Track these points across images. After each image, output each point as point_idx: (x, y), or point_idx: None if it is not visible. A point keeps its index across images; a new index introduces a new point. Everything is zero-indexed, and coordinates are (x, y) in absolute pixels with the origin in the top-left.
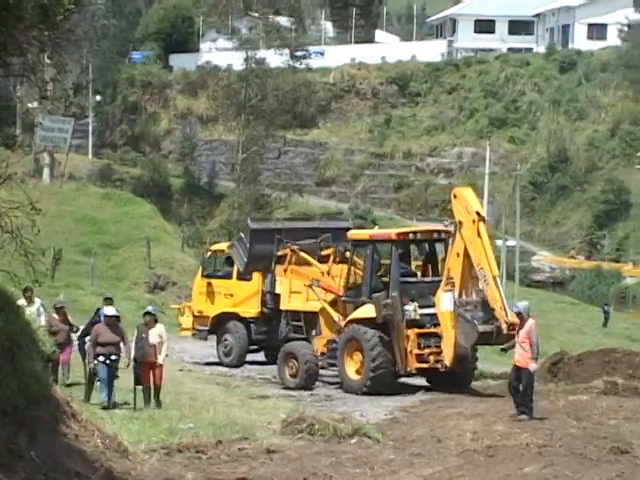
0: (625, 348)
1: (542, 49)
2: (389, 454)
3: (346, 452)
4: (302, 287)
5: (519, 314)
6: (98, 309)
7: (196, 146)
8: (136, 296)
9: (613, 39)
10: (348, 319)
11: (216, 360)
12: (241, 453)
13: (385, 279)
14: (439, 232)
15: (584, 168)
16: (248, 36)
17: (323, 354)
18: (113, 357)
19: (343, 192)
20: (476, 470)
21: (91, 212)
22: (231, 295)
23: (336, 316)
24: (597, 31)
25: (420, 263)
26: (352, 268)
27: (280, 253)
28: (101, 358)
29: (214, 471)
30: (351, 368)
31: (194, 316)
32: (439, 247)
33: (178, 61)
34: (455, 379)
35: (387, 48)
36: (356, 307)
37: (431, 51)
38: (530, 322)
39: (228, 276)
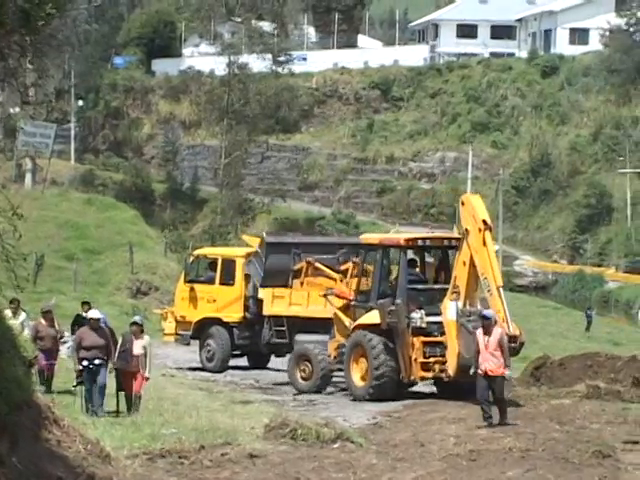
0: (607, 352)
1: (524, 54)
2: (372, 459)
3: (329, 457)
4: (285, 292)
5: (487, 319)
6: (78, 315)
7: (178, 151)
8: (119, 301)
9: (595, 44)
10: (355, 324)
11: (199, 365)
12: (224, 458)
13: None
14: (450, 239)
15: (566, 172)
16: (231, 41)
17: (335, 358)
18: (97, 361)
19: (326, 197)
20: (459, 474)
21: (73, 217)
22: (214, 300)
23: (347, 321)
24: (579, 36)
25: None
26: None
27: (297, 267)
28: (85, 363)
29: (197, 476)
30: (357, 374)
31: (177, 321)
32: (452, 254)
33: (160, 66)
34: (464, 389)
35: (370, 53)
36: (366, 312)
37: (413, 56)
38: (500, 330)
39: (211, 281)
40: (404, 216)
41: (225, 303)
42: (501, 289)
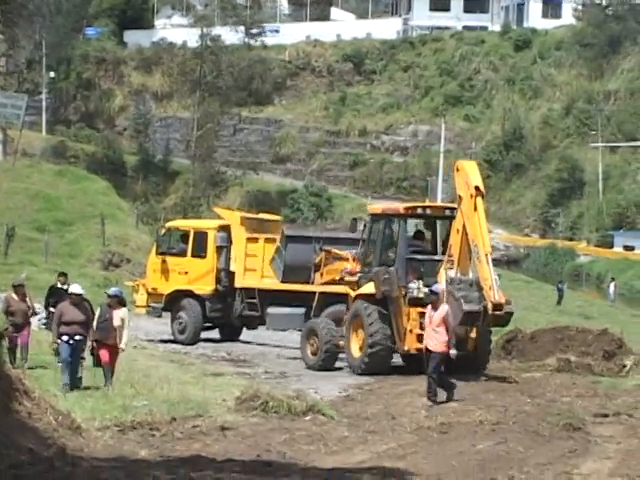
0: (578, 326)
1: (497, 27)
2: (343, 431)
3: (300, 429)
4: (257, 265)
5: (434, 294)
6: (52, 286)
7: (150, 123)
8: (90, 273)
9: (568, 17)
10: (354, 295)
11: (170, 337)
12: (195, 430)
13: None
14: (451, 208)
15: (538, 146)
16: (203, 13)
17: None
18: (77, 337)
19: (298, 170)
20: (430, 447)
21: (45, 189)
22: (186, 272)
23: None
24: (552, 9)
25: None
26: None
27: (317, 260)
28: (65, 338)
29: (168, 448)
30: (355, 345)
31: (148, 293)
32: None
33: (133, 37)
34: (468, 362)
35: (342, 25)
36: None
37: (386, 29)
38: (445, 307)
39: (182, 253)
40: (377, 189)
41: (197, 275)
42: (489, 256)
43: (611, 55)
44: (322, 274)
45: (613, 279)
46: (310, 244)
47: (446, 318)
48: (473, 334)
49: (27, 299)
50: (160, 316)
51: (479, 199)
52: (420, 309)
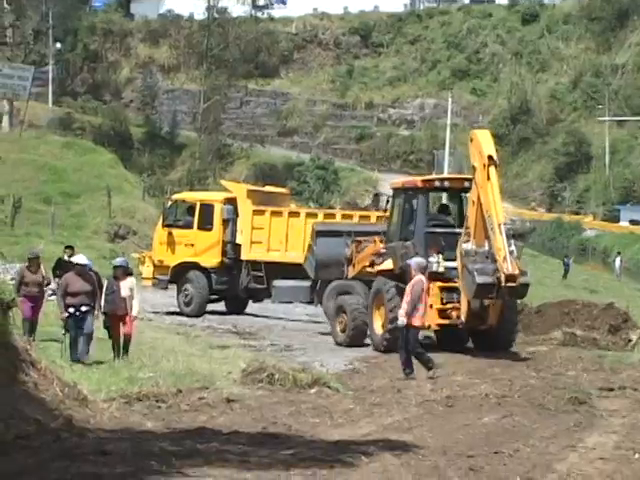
0: (584, 300)
1: (505, 0)
2: (349, 404)
3: (306, 402)
4: (263, 237)
5: (407, 266)
6: (59, 259)
7: (157, 95)
8: (97, 245)
9: None
10: (376, 271)
11: (176, 310)
12: (201, 402)
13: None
14: (471, 180)
15: (545, 120)
16: None
17: None
18: (84, 308)
19: (305, 142)
20: (435, 420)
21: (51, 160)
22: (192, 245)
23: None
24: None
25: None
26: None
27: (349, 254)
28: (71, 310)
29: (174, 420)
30: (378, 322)
31: (154, 265)
32: None
33: (139, 9)
34: (493, 337)
35: None
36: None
37: (394, 1)
38: (417, 278)
39: (189, 226)
40: (383, 162)
41: (203, 248)
42: (502, 226)
43: (619, 29)
44: (354, 265)
45: (619, 253)
46: (341, 238)
47: (412, 290)
48: (496, 307)
49: (42, 271)
50: (166, 288)
51: (492, 169)
52: (440, 283)
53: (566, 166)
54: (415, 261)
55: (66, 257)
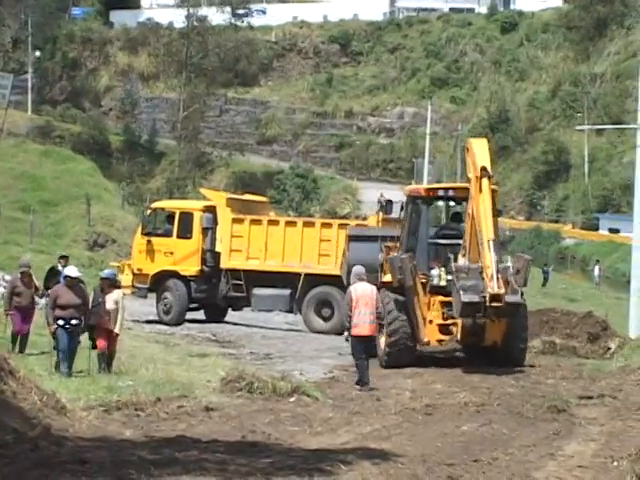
0: (563, 308)
1: (484, 9)
2: (328, 412)
3: (285, 410)
4: (242, 245)
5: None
6: (52, 267)
7: (137, 103)
8: (75, 253)
9: (554, 0)
10: (380, 282)
11: (156, 318)
12: (180, 411)
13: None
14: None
15: (524, 129)
16: None
17: None
18: (74, 321)
19: (284, 151)
20: (414, 428)
21: (30, 169)
22: (171, 253)
23: None
24: None
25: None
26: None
27: (382, 260)
28: (61, 322)
29: (153, 428)
30: (382, 337)
31: (134, 274)
32: None
33: (119, 17)
34: (502, 357)
35: (329, 7)
36: None
37: (373, 10)
38: (349, 287)
39: (168, 234)
40: (363, 171)
41: (182, 256)
42: (492, 242)
43: (597, 38)
44: (385, 272)
45: (598, 262)
46: (375, 243)
47: (348, 298)
48: (499, 325)
49: (35, 281)
50: (145, 297)
51: (485, 180)
52: (442, 298)
53: (545, 175)
54: (354, 269)
55: (59, 266)
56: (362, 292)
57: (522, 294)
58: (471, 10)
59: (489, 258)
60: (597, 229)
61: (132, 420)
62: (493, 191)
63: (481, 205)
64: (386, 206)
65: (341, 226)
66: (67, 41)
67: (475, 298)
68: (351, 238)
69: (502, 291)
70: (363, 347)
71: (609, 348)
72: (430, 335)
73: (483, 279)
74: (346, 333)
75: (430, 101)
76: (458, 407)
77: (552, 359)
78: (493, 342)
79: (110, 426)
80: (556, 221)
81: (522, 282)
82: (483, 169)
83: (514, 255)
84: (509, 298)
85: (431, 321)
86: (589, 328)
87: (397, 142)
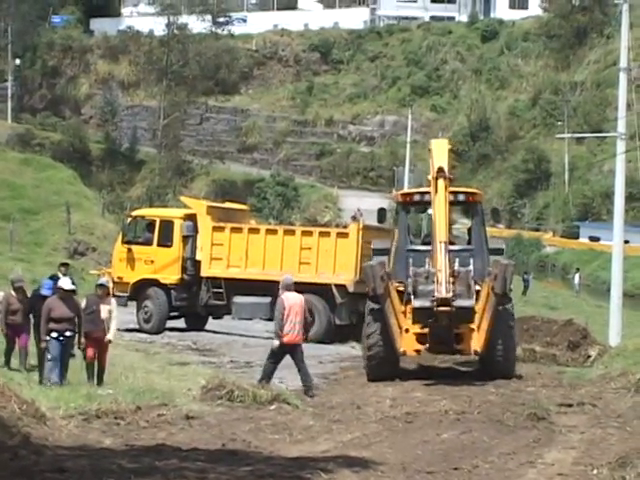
0: (544, 316)
1: (464, 18)
2: (308, 420)
3: (265, 418)
4: (223, 254)
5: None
6: (52, 275)
7: (117, 111)
8: (56, 262)
9: (535, 9)
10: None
11: (136, 327)
12: (160, 419)
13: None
14: (455, 193)
15: (505, 137)
16: (170, 1)
17: None
18: (68, 333)
19: (265, 159)
20: (395, 436)
21: (10, 177)
22: (151, 261)
23: None
24: (519, 0)
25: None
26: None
27: None
28: (54, 334)
29: (133, 437)
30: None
31: (114, 282)
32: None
33: (99, 25)
34: (487, 367)
35: (310, 15)
36: None
37: (354, 18)
38: (281, 297)
39: (148, 242)
40: (343, 179)
41: (163, 264)
42: (443, 245)
43: (577, 46)
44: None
45: (578, 270)
46: None
47: (280, 307)
48: (480, 333)
49: (27, 297)
50: (126, 305)
51: (440, 181)
52: None
53: (525, 183)
54: (283, 279)
55: (60, 275)
56: (293, 302)
57: (509, 299)
58: (452, 18)
59: (440, 261)
60: (577, 237)
61: (112, 429)
62: (474, 195)
63: (436, 207)
64: (378, 215)
65: (322, 234)
66: (47, 49)
67: (426, 303)
68: (375, 252)
69: (450, 295)
70: (284, 354)
71: (589, 356)
72: (407, 345)
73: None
74: (275, 341)
75: (411, 109)
76: (438, 415)
77: (532, 367)
78: (473, 351)
79: (90, 435)
80: (536, 229)
81: (500, 288)
82: (440, 170)
83: (493, 260)
84: (459, 302)
85: (407, 330)
86: (569, 336)
87: (378, 150)
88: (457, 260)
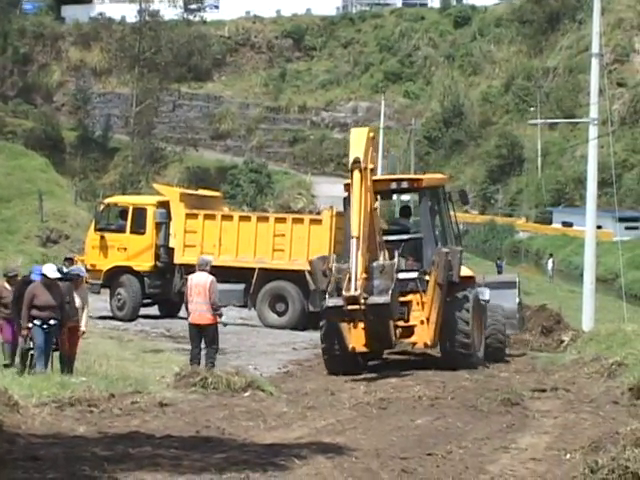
0: None
1: (437, 4)
2: (282, 407)
3: (239, 405)
4: (196, 241)
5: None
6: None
7: (89, 99)
8: (28, 250)
9: None
10: None
11: (109, 314)
12: (134, 407)
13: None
14: (397, 181)
15: (478, 123)
16: None
17: None
18: (52, 322)
19: (238, 146)
20: (369, 422)
21: None
22: (125, 249)
23: None
24: None
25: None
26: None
27: None
28: (37, 322)
29: (106, 424)
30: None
31: (87, 270)
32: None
33: (70, 12)
34: (448, 360)
35: (282, 1)
36: None
37: (326, 5)
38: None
39: (121, 230)
40: (316, 166)
41: (136, 252)
42: (355, 240)
43: (550, 32)
44: None
45: (551, 255)
46: None
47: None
48: (429, 326)
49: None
50: (99, 292)
51: (355, 173)
52: None
53: (499, 168)
54: (199, 259)
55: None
56: (197, 281)
57: (469, 287)
58: (424, 4)
59: (352, 258)
60: (550, 223)
61: (85, 416)
62: (419, 180)
63: (353, 199)
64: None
65: (295, 221)
66: (18, 36)
67: (339, 302)
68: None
69: (358, 293)
70: (198, 335)
71: (562, 341)
72: (355, 341)
73: (388, 279)
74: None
75: (383, 96)
76: (412, 401)
77: (506, 352)
78: (424, 344)
79: (63, 422)
80: (510, 215)
81: (442, 278)
82: (355, 161)
83: (436, 249)
84: (373, 299)
85: (356, 325)
86: (543, 321)
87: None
88: (396, 251)
